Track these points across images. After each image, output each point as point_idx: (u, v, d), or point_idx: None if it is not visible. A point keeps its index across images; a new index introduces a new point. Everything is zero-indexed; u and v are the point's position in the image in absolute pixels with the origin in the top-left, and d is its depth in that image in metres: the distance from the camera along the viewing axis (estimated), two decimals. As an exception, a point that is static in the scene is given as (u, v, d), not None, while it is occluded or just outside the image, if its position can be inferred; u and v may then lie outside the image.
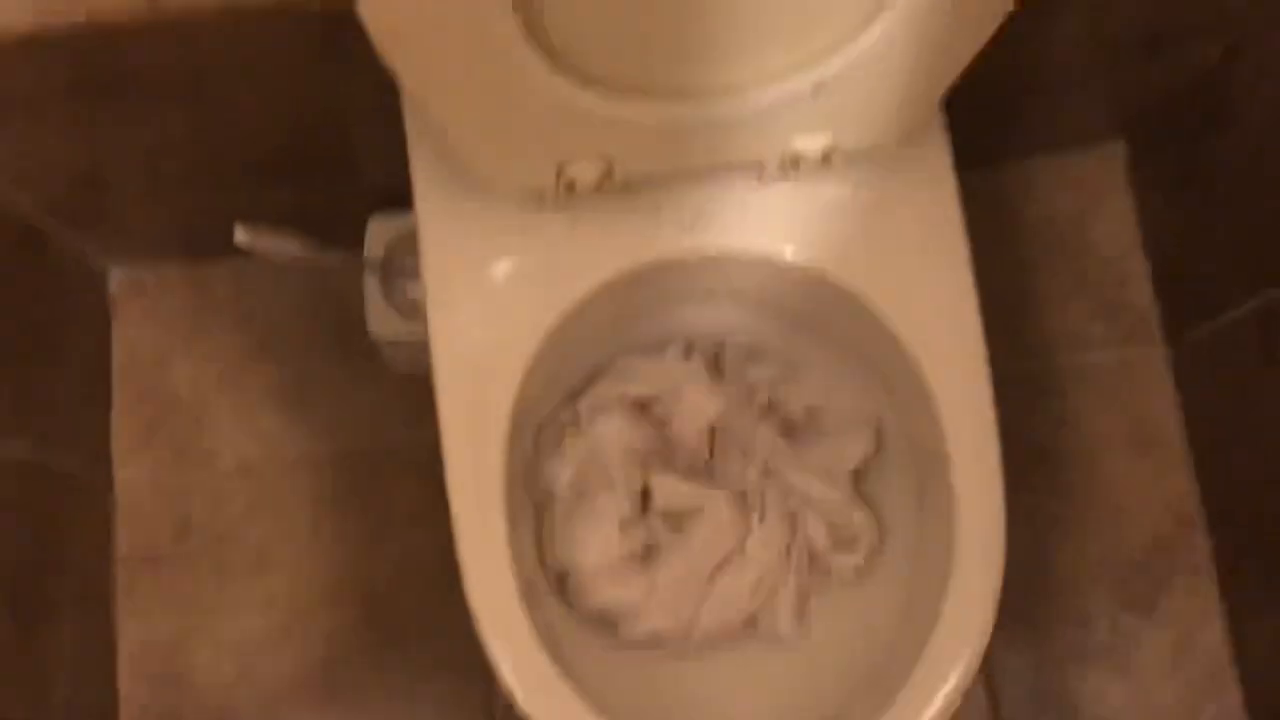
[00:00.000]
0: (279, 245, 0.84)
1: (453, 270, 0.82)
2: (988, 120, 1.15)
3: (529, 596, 0.80)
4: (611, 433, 0.89)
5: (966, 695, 1.13)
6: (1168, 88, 1.13)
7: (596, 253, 0.81)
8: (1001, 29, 0.71)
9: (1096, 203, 1.25)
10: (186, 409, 1.20)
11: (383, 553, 1.18)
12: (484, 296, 0.81)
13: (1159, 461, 1.20)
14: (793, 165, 0.80)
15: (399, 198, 0.87)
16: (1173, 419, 1.20)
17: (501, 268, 0.82)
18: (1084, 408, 1.21)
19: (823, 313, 0.88)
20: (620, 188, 0.80)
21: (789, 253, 0.82)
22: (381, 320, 1.09)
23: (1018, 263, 1.24)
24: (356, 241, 1.12)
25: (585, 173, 0.76)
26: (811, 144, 0.77)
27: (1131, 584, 1.17)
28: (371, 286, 1.09)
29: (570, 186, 0.76)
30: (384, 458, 1.19)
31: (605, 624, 0.89)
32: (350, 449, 1.19)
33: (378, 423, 1.20)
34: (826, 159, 0.79)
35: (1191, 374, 1.19)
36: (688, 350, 0.95)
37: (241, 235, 0.81)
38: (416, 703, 1.15)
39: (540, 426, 0.92)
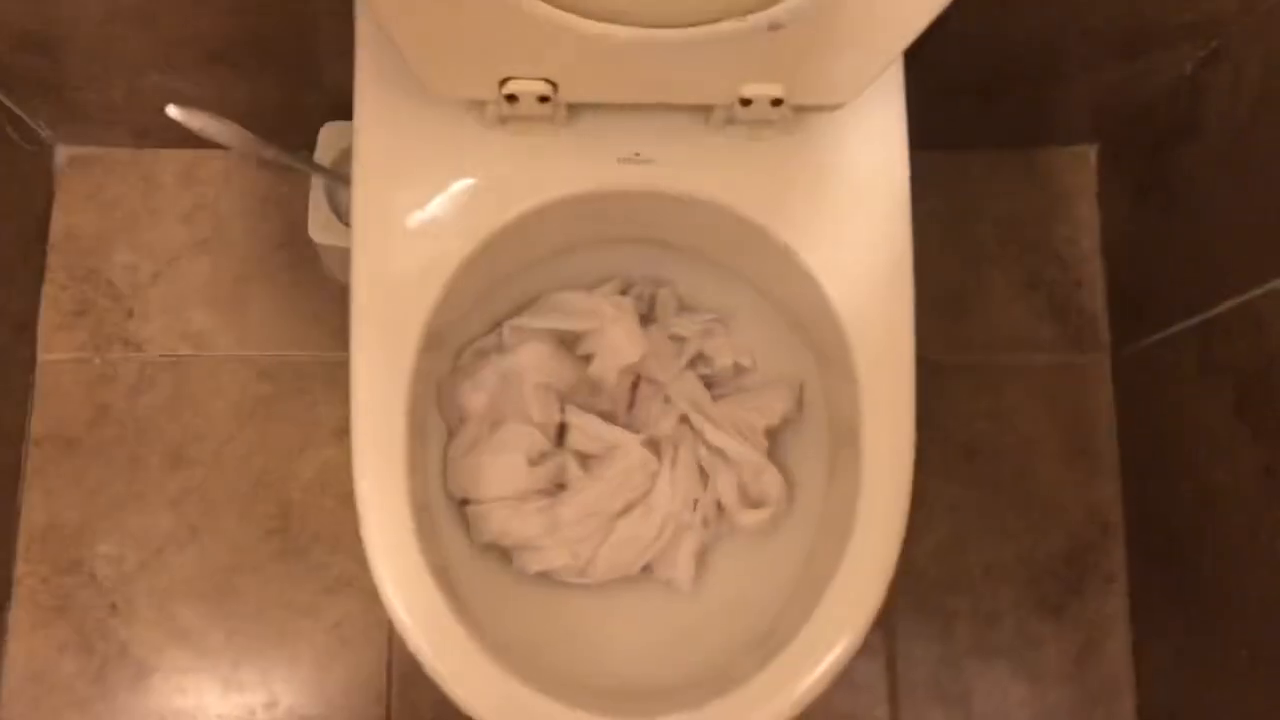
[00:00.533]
0: (215, 126, 0.81)
1: (383, 176, 0.80)
2: (963, 105, 1.14)
3: (426, 521, 0.79)
4: (530, 362, 0.87)
5: (865, 677, 1.15)
6: (1142, 94, 1.12)
7: (533, 176, 0.80)
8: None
9: (1062, 203, 1.24)
10: (119, 296, 1.18)
11: (301, 465, 1.16)
12: (412, 206, 0.79)
13: (1089, 468, 1.19)
14: (741, 114, 0.78)
15: (357, 107, 0.85)
16: (1108, 428, 1.20)
17: (434, 179, 0.80)
18: (1021, 407, 1.21)
19: (758, 267, 0.87)
20: (564, 112, 0.78)
21: (728, 201, 0.81)
22: (324, 227, 1.07)
23: (974, 253, 1.23)
24: (311, 147, 1.10)
25: (528, 89, 0.74)
26: (761, 92, 0.76)
27: (1044, 586, 1.17)
28: (317, 192, 1.07)
29: (512, 101, 0.75)
30: (314, 368, 1.18)
31: (501, 554, 0.88)
32: (281, 356, 1.18)
33: (312, 332, 1.18)
34: (776, 111, 0.78)
35: (1131, 385, 1.19)
36: (624, 291, 0.93)
37: (175, 110, 0.79)
38: (317, 619, 1.14)
39: (461, 350, 0.91)
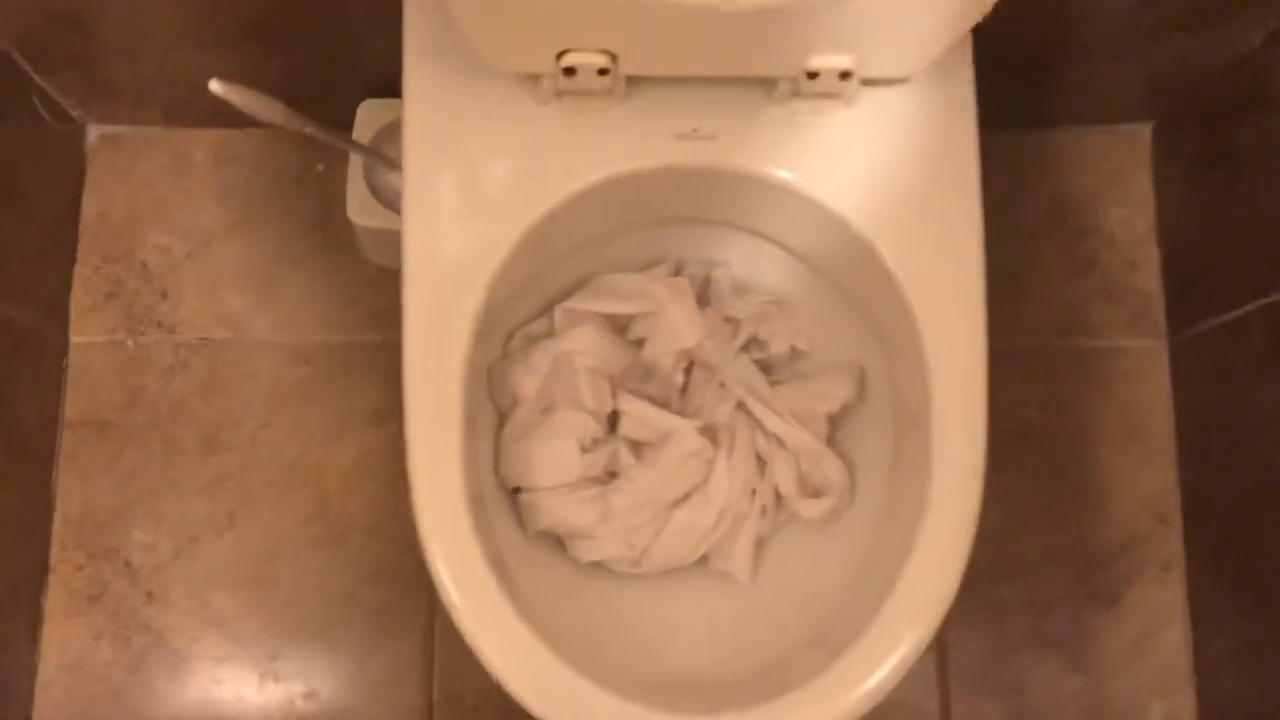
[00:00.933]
0: (256, 102, 0.79)
1: (435, 154, 0.77)
2: (1014, 82, 1.11)
3: (478, 508, 0.77)
4: (582, 346, 0.85)
5: (915, 667, 1.11)
6: (1204, 69, 1.08)
7: (588, 153, 0.77)
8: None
9: (1116, 183, 1.21)
10: (152, 277, 1.16)
11: (338, 450, 1.14)
12: (464, 185, 0.77)
13: (1144, 455, 1.16)
14: (807, 87, 0.75)
15: (396, 85, 0.82)
16: (1164, 414, 1.17)
17: (486, 157, 0.77)
18: (1075, 392, 1.17)
19: (819, 248, 0.84)
20: (622, 86, 0.75)
21: (791, 178, 0.78)
22: (362, 207, 1.04)
23: (1026, 234, 1.19)
24: (347, 127, 1.07)
25: (588, 62, 0.71)
26: (829, 64, 0.73)
27: (1099, 576, 1.14)
28: (355, 172, 1.05)
29: (569, 73, 0.72)
30: (351, 352, 1.15)
31: (554, 543, 0.86)
32: (317, 339, 1.15)
33: (348, 315, 1.15)
34: (843, 84, 0.75)
35: (1189, 370, 1.16)
36: (676, 273, 0.91)
37: (217, 85, 0.76)
38: (354, 608, 1.11)
39: (512, 333, 0.88)
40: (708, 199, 0.83)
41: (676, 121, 0.77)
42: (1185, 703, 1.12)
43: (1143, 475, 1.16)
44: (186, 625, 1.10)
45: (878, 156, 0.79)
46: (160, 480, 1.13)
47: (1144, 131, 1.21)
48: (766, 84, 0.77)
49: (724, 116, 0.78)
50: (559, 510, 0.83)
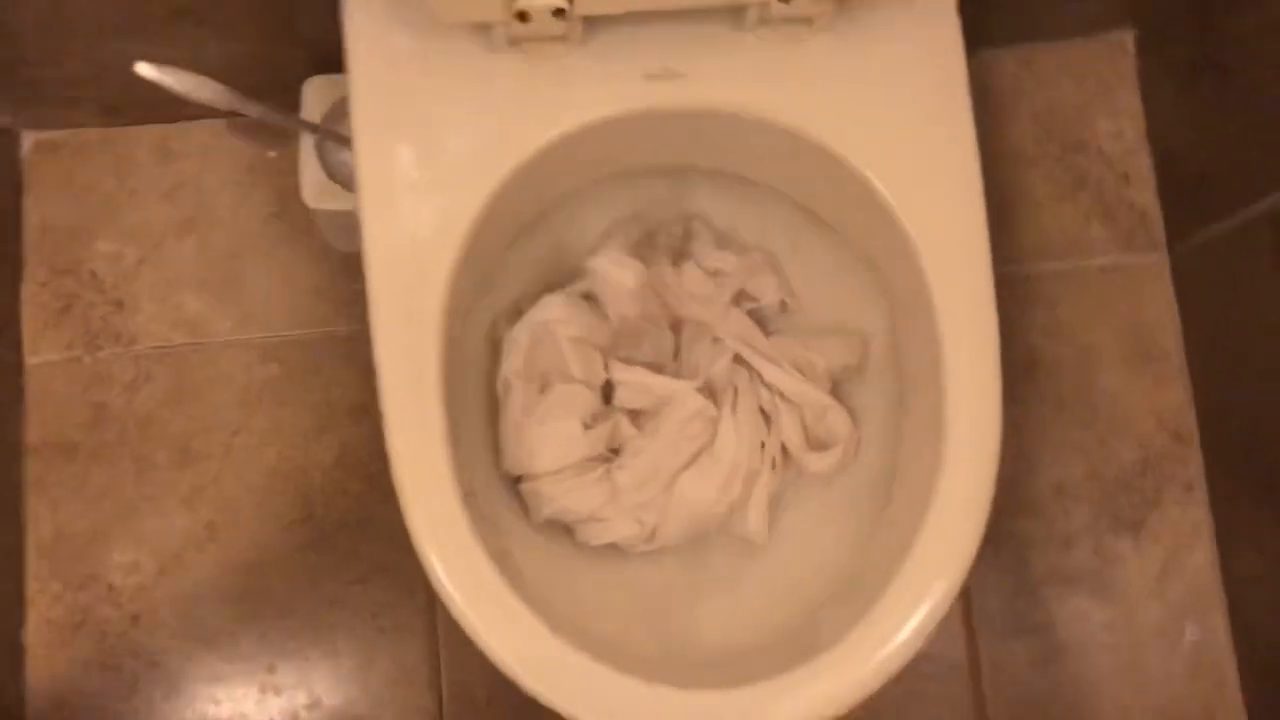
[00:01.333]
0: (190, 83, 0.73)
1: (386, 124, 0.72)
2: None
3: (472, 503, 0.72)
4: (557, 315, 0.79)
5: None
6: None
7: (551, 104, 0.71)
8: None
9: (1101, 95, 1.16)
10: (104, 287, 1.10)
11: (319, 450, 1.09)
12: (421, 154, 0.71)
13: (1154, 374, 1.12)
14: (779, 10, 0.70)
15: (341, 59, 0.76)
16: (1171, 330, 1.13)
17: (441, 120, 0.72)
18: (1077, 315, 1.13)
19: (807, 185, 0.79)
20: (579, 29, 0.70)
21: (769, 112, 0.72)
22: (318, 190, 0.98)
23: (1012, 156, 1.15)
24: (295, 107, 1.01)
25: (541, 3, 0.65)
26: (802, -15, 0.68)
27: (1119, 502, 1.10)
28: (307, 153, 0.99)
29: (523, 18, 0.66)
30: (323, 345, 1.10)
31: (563, 529, 0.81)
32: (284, 335, 1.10)
33: (316, 307, 1.10)
34: (818, 6, 0.70)
35: (1194, 282, 1.11)
36: (652, 232, 0.85)
37: (145, 68, 0.70)
38: (351, 611, 1.07)
39: (495, 317, 0.83)
40: (683, 142, 0.78)
41: (642, 62, 0.72)
42: (1218, 622, 1.09)
43: (1155, 395, 1.12)
44: (178, 646, 1.05)
45: (859, 82, 0.74)
46: (135, 498, 1.07)
47: (1127, 39, 1.17)
48: (734, 13, 0.72)
49: (694, 52, 0.72)
50: (563, 498, 0.78)
